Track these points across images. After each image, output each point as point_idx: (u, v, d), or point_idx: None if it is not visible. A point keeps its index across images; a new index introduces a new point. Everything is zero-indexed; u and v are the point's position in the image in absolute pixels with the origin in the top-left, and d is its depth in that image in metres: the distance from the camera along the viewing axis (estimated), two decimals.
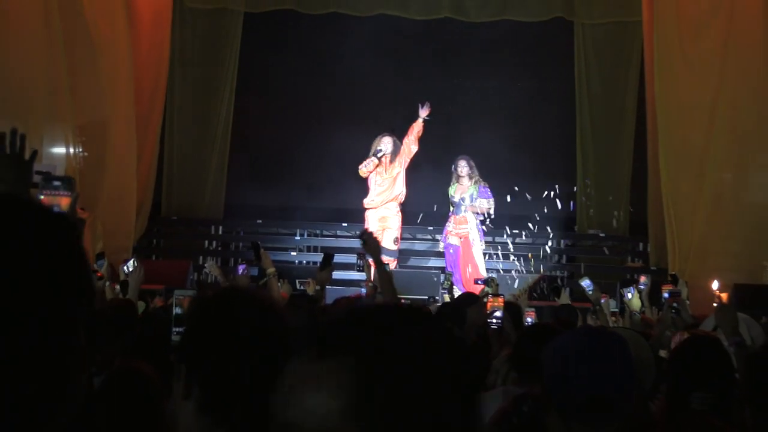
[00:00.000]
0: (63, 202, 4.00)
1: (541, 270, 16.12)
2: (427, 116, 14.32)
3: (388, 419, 1.35)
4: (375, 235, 6.99)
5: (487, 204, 14.41)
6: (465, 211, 14.48)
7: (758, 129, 14.37)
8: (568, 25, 17.92)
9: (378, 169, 14.28)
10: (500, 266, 16.02)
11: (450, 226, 14.72)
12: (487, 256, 15.61)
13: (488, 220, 14.67)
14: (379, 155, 14.15)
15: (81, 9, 14.53)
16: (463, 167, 14.53)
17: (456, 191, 14.59)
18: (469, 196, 14.46)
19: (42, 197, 4.10)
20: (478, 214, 14.50)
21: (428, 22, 17.66)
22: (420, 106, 14.43)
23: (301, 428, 1.36)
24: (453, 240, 14.64)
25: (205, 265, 13.54)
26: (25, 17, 14.46)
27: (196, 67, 17.87)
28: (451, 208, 14.72)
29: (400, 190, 14.52)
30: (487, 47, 17.79)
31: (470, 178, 14.45)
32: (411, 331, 1.41)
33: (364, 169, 14.27)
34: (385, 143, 14.34)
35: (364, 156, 14.30)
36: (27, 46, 14.49)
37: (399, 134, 14.85)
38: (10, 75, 14.37)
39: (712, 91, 14.23)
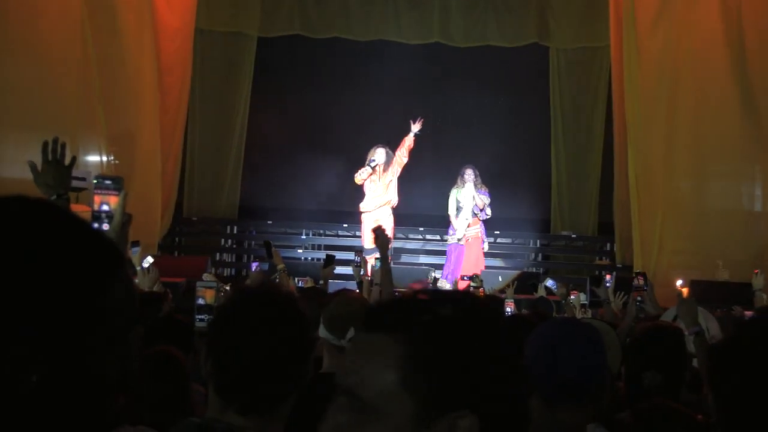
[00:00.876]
0: (112, 200, 4.05)
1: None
2: (418, 131, 14.30)
3: (437, 390, 1.36)
4: (386, 232, 7.06)
5: (486, 199, 14.39)
6: (474, 214, 14.49)
7: (711, 143, 14.51)
8: (544, 50, 17.99)
9: (372, 177, 14.27)
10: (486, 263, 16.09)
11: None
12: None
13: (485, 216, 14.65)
14: (372, 165, 14.15)
15: (113, 30, 14.59)
16: (469, 174, 14.54)
17: (462, 195, 14.56)
18: (471, 198, 14.47)
19: (95, 195, 4.15)
20: (482, 211, 14.46)
21: (421, 46, 17.68)
22: (412, 121, 14.41)
23: (360, 393, 1.38)
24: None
25: (203, 275, 13.57)
26: (64, 37, 14.52)
27: (215, 84, 17.92)
28: (456, 210, 14.66)
29: (393, 196, 14.49)
30: (472, 68, 17.88)
31: (475, 184, 14.45)
32: (452, 312, 1.41)
33: (358, 177, 14.25)
34: (379, 154, 14.33)
35: (362, 164, 14.30)
36: (65, 64, 14.55)
37: (393, 146, 14.89)
38: (51, 90, 14.49)
39: (671, 109, 14.29)
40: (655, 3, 14.57)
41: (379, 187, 14.38)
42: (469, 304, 1.46)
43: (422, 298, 1.45)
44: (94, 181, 4.29)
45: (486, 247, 14.87)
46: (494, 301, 7.94)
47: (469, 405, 1.37)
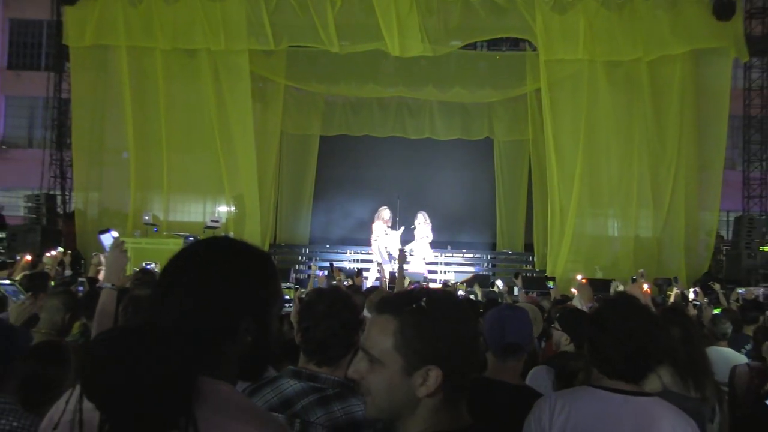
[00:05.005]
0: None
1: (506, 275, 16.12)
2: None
3: (417, 354, 1.40)
4: (406, 256, 7.36)
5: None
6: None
7: (590, 195, 14.56)
8: (491, 141, 17.97)
9: (387, 229, 14.12)
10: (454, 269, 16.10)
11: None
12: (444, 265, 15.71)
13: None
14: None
15: (231, 132, 14.83)
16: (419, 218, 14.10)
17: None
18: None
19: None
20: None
21: (418, 139, 17.71)
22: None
23: (371, 350, 1.44)
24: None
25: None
26: (203, 136, 14.86)
27: (294, 162, 17.93)
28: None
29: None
30: (449, 152, 17.78)
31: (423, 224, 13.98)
32: (426, 301, 1.45)
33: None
34: (387, 213, 14.27)
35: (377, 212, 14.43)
36: (205, 153, 14.85)
37: (402, 200, 14.95)
38: (197, 168, 14.85)
39: (572, 176, 14.38)
40: (564, 104, 14.69)
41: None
42: (439, 296, 1.48)
43: (411, 293, 1.49)
44: (184, 237, 4.38)
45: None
46: (450, 290, 7.90)
47: (436, 362, 1.40)
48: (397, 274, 6.89)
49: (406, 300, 1.47)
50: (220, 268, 1.38)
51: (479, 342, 1.55)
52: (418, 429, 1.43)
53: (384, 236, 13.94)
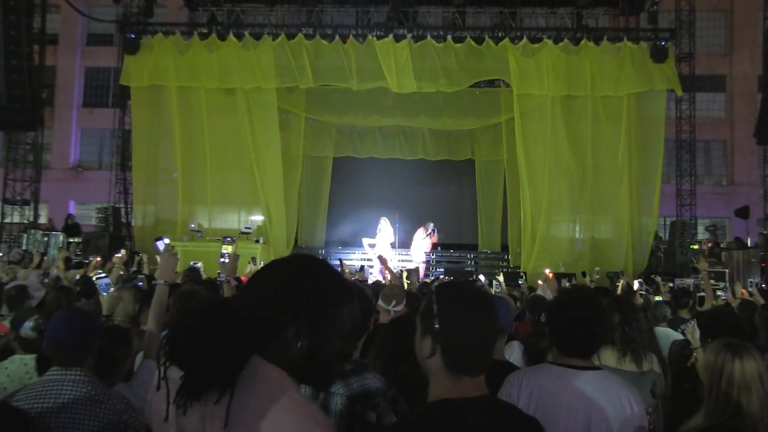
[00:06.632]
0: (230, 248, 4.10)
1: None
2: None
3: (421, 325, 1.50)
4: (384, 257, 7.24)
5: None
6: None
7: (556, 204, 14.52)
8: (473, 161, 18.01)
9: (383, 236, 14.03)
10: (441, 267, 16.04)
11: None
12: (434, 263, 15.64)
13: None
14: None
15: (260, 154, 14.80)
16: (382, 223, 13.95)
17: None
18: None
19: (222, 245, 4.19)
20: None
21: (411, 160, 17.75)
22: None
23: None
24: None
25: None
26: (241, 158, 14.82)
27: (312, 179, 17.92)
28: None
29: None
30: (438, 171, 17.89)
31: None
32: (448, 293, 1.53)
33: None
34: (384, 223, 14.17)
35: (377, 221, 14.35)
36: (241, 173, 14.78)
37: (401, 211, 14.86)
38: (237, 185, 14.79)
39: (541, 189, 14.36)
40: (533, 131, 14.62)
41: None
42: (451, 287, 1.58)
43: (436, 288, 1.59)
44: (221, 239, 4.39)
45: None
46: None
47: (432, 334, 1.49)
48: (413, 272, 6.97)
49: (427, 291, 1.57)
50: (290, 279, 1.32)
51: (479, 328, 1.49)
52: (432, 391, 1.49)
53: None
